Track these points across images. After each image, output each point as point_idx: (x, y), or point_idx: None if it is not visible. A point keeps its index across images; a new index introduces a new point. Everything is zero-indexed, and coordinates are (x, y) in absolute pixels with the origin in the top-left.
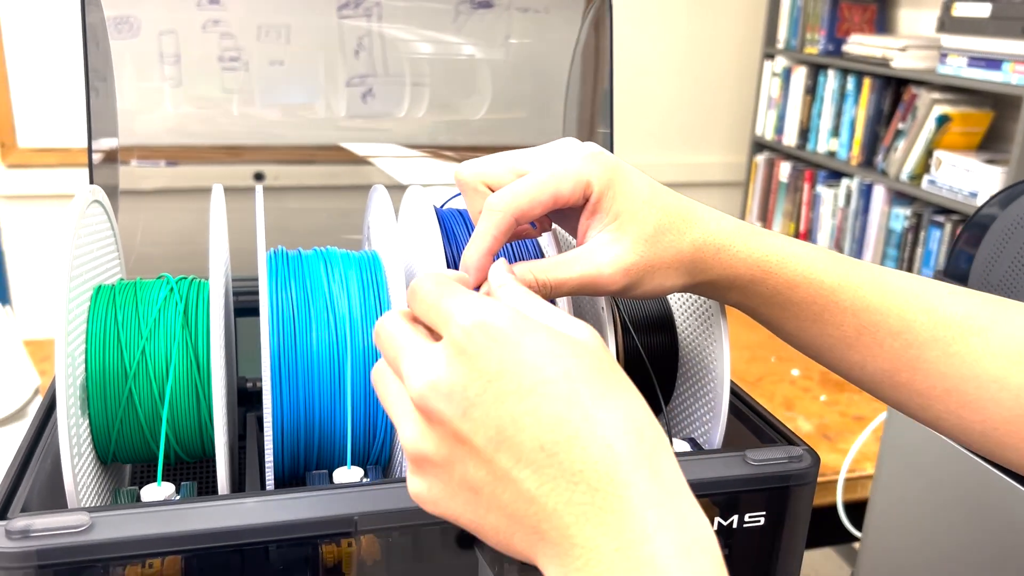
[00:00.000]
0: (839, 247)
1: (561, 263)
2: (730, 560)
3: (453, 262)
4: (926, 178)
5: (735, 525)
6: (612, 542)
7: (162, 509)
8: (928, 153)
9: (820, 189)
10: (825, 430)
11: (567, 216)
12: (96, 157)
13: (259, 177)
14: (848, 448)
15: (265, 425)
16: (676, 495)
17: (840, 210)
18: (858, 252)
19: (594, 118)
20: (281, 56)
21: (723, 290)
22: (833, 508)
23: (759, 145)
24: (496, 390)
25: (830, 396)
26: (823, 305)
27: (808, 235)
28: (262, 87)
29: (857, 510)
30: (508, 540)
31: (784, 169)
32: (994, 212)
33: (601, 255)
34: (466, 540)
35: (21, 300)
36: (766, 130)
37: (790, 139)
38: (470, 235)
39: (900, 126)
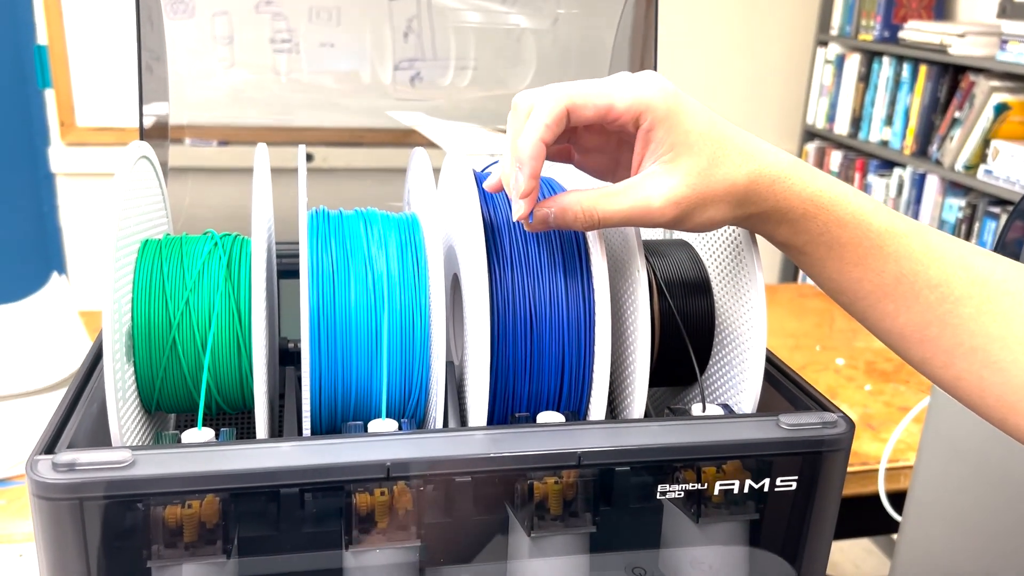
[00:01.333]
0: None
1: (610, 194)
2: (761, 524)
3: (491, 223)
4: (982, 168)
5: (767, 488)
6: None
7: (201, 449)
8: (985, 143)
9: (872, 179)
10: (869, 420)
11: (617, 149)
12: (147, 133)
13: (309, 158)
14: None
15: (303, 373)
16: None
17: (892, 200)
18: None
19: None
20: (331, 38)
21: (774, 224)
22: (876, 498)
23: (810, 134)
24: None
25: (875, 386)
26: (868, 248)
27: None
28: (312, 69)
29: (901, 500)
30: None
31: (835, 158)
32: None
33: (652, 187)
34: (499, 495)
35: (77, 273)
36: (817, 118)
37: (842, 128)
38: (506, 198)
39: (956, 115)
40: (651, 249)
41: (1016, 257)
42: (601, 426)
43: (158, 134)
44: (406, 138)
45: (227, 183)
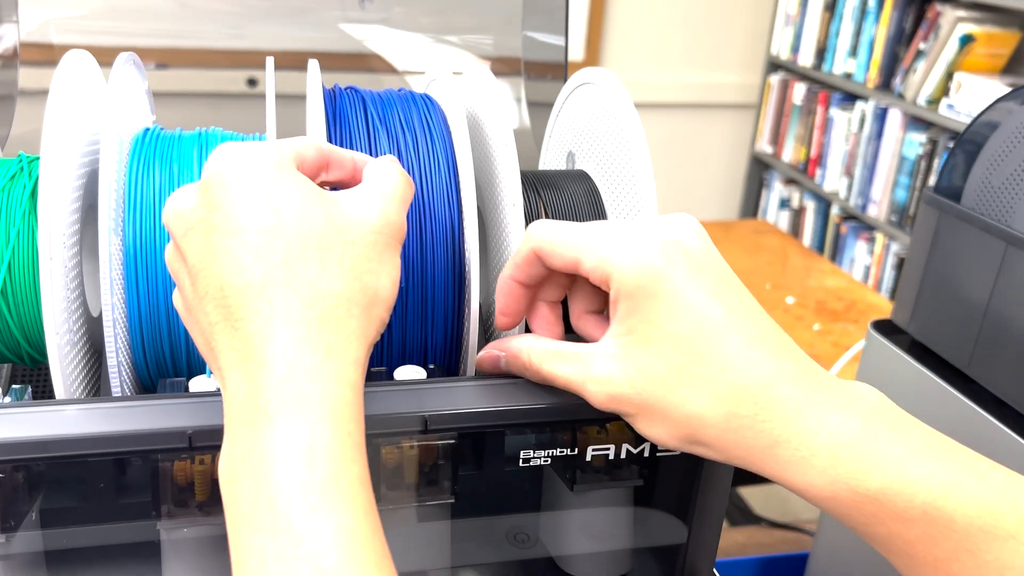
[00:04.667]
0: (850, 174)
1: (559, 356)
2: (646, 488)
3: (340, 142)
4: (944, 102)
5: (646, 453)
6: (244, 388)
7: None
8: (948, 75)
9: (834, 112)
10: (816, 360)
11: None
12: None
13: (252, 83)
14: None
15: (105, 323)
16: (322, 370)
17: (853, 135)
18: (869, 179)
19: None
20: None
21: (783, 485)
22: None
23: (774, 65)
24: (210, 222)
25: (824, 325)
26: (952, 551)
27: (819, 160)
28: None
29: None
30: (208, 360)
31: (799, 91)
32: (995, 119)
33: (597, 367)
34: None
35: None
36: (781, 49)
37: (806, 59)
38: (365, 114)
39: (921, 46)
40: (543, 181)
41: (961, 185)
42: (449, 384)
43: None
44: (361, 63)
45: (169, 106)
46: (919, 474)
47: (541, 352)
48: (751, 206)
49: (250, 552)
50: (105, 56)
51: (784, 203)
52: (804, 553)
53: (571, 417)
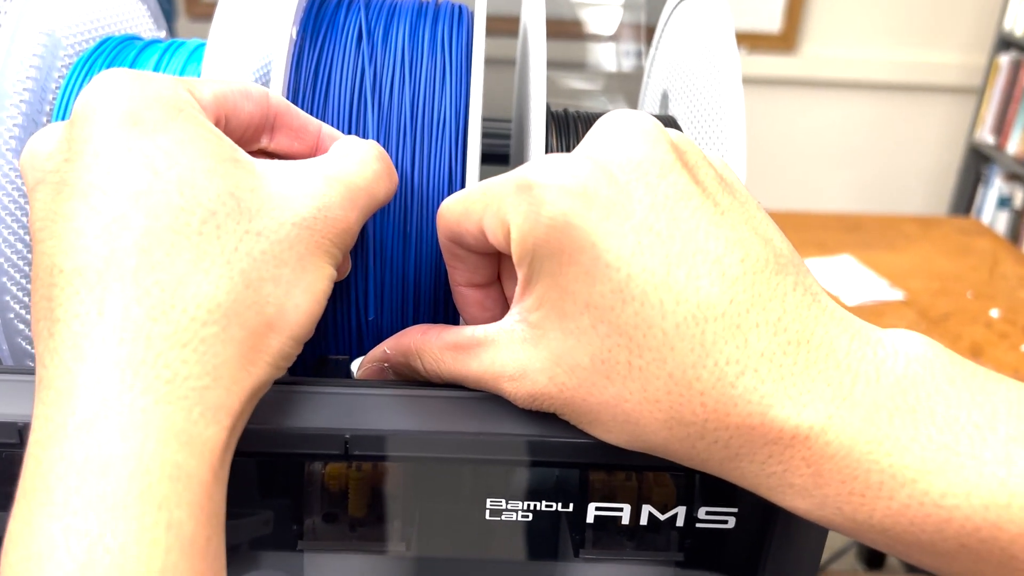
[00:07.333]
0: None
1: (462, 349)
2: (692, 561)
3: (307, 67)
4: None
5: (680, 523)
6: (38, 433)
7: None
8: None
9: None
10: None
11: None
12: None
13: None
14: None
15: None
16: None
17: None
18: None
19: None
20: None
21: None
22: None
23: (1005, 42)
24: (63, 175)
25: None
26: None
27: None
28: None
29: None
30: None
31: None
32: None
33: (507, 356)
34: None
35: None
36: (1016, 24)
37: None
38: (359, 33)
39: None
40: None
41: None
42: (397, 392)
43: None
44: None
45: None
46: (949, 493)
47: (436, 350)
48: (964, 203)
49: None
50: None
51: (1004, 202)
52: None
53: (552, 458)
